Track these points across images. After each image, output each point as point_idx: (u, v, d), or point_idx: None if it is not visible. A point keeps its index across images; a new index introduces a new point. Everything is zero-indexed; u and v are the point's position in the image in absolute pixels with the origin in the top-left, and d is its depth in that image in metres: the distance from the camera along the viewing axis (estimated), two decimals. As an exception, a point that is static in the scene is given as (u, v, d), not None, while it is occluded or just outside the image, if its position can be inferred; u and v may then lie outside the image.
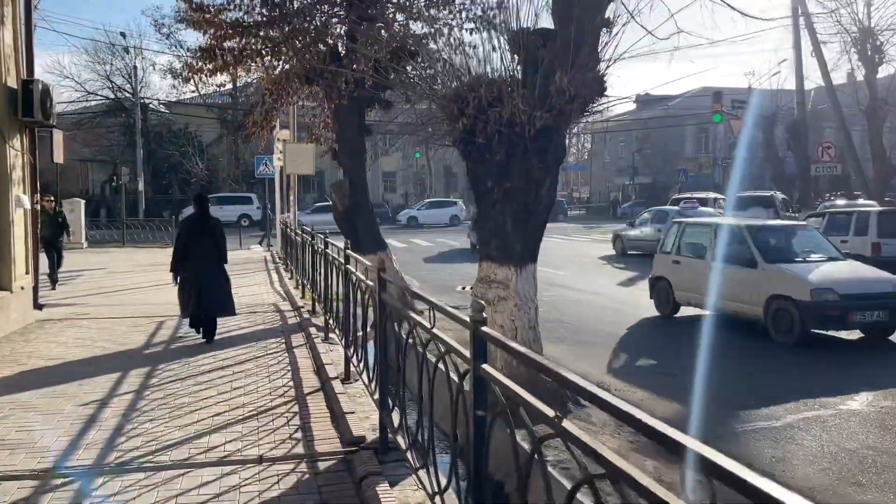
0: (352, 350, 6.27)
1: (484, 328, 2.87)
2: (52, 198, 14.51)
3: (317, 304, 10.32)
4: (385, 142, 52.21)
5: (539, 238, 6.20)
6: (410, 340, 4.02)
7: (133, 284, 14.18)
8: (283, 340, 8.41)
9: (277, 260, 20.06)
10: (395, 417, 4.36)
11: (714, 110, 27.62)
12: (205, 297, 7.99)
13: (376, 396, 4.86)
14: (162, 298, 11.63)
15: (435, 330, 3.61)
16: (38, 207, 11.06)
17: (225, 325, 9.37)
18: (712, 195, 26.34)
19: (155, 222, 28.11)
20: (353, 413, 5.30)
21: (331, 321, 8.29)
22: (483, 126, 5.76)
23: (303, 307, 10.73)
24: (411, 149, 53.56)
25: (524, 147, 5.78)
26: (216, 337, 8.43)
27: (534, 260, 6.16)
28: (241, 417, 5.38)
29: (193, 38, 65.46)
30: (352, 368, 6.46)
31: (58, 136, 29.02)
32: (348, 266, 6.75)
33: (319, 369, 6.88)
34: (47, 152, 12.40)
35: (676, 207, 22.23)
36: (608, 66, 5.87)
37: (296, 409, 5.61)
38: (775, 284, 9.56)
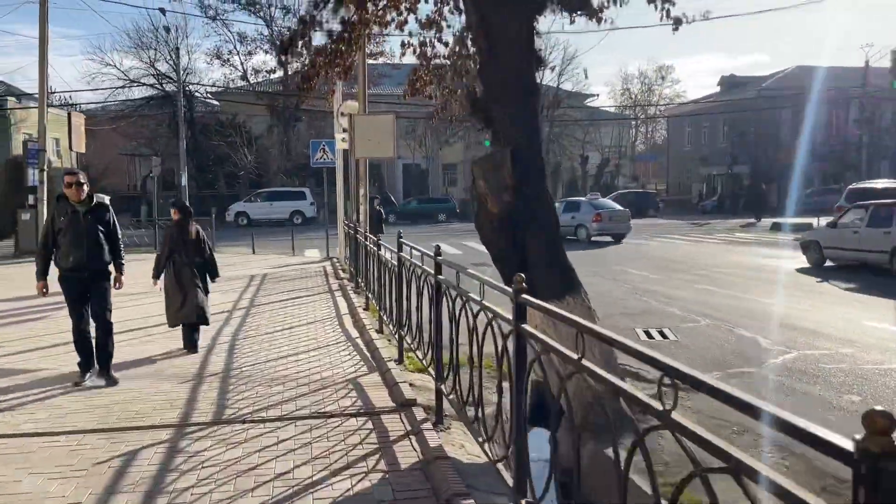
0: None
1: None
2: (83, 175, 6.42)
3: (443, 397, 5.14)
4: (446, 130, 47.07)
5: None
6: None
7: (120, 326, 8.84)
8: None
9: (342, 273, 15.05)
10: None
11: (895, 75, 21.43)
12: (187, 305, 7.70)
13: None
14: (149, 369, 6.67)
15: None
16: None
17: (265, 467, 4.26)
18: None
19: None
20: None
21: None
22: None
23: (414, 399, 5.54)
24: (474, 137, 48.31)
25: None
26: None
27: None
28: None
29: (240, 23, 61.24)
30: None
31: (77, 119, 23.95)
32: None
33: None
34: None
35: (584, 198, 26.32)
36: None
37: None
38: None
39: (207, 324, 8.00)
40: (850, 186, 20.19)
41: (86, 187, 6.33)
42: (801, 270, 15.74)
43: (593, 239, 23.52)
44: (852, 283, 13.45)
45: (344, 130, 14.97)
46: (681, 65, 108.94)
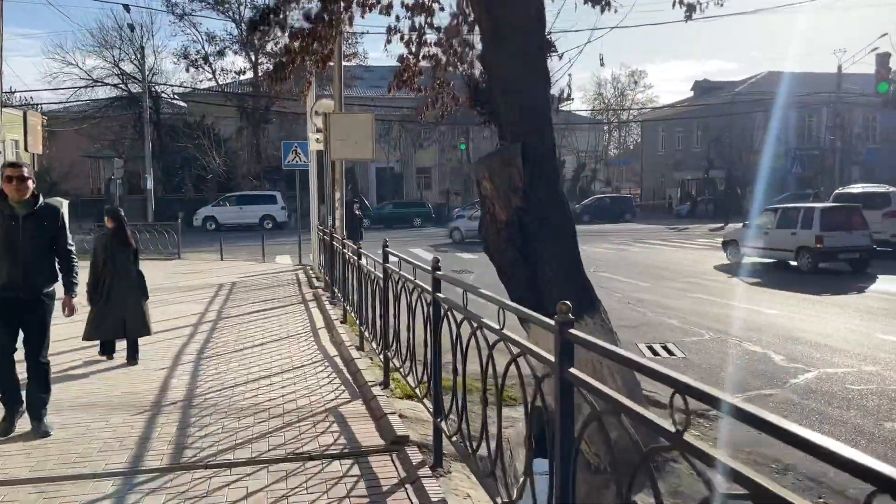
0: None
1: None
2: (28, 168, 5.02)
3: (445, 437, 4.37)
4: (420, 133, 46.33)
5: None
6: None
7: (67, 344, 7.89)
8: None
9: (315, 281, 14.20)
10: None
11: (880, 78, 21.20)
12: (127, 318, 7.29)
13: None
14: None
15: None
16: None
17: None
18: (885, 188, 19.92)
19: (158, 227, 22.13)
20: None
21: None
22: None
23: (407, 436, 4.77)
24: (448, 141, 47.65)
25: None
26: None
27: None
28: None
29: (210, 21, 59.79)
30: None
31: (33, 119, 22.70)
32: None
33: None
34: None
35: None
36: None
37: None
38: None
39: (149, 334, 7.61)
40: (837, 191, 20.36)
41: (31, 183, 4.96)
42: (719, 267, 17.05)
43: None
44: (758, 279, 15.00)
45: (318, 130, 14.15)
46: (651, 71, 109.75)
